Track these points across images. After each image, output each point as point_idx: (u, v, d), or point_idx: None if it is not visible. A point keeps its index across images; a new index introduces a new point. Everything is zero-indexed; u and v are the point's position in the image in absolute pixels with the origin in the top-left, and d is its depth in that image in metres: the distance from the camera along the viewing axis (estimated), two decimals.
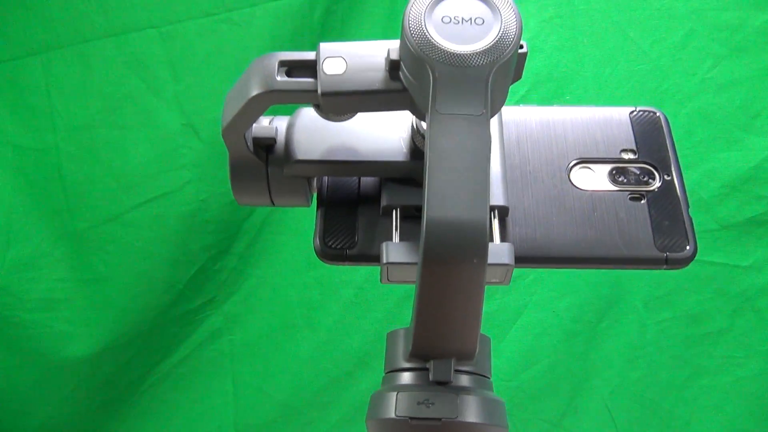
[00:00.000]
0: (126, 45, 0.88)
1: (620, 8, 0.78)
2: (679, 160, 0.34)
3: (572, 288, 0.83)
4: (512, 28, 0.25)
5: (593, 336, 0.83)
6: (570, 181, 0.33)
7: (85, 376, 0.93)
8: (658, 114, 0.35)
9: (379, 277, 0.30)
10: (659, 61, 0.78)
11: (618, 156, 0.34)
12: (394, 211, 0.32)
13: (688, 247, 0.31)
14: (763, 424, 0.78)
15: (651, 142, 0.34)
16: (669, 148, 0.34)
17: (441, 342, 0.29)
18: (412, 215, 0.32)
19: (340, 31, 0.87)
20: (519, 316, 0.85)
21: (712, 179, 0.76)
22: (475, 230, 0.24)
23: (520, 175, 0.34)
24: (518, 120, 0.35)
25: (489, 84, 0.25)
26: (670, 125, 0.35)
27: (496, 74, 0.25)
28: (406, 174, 0.33)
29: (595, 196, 0.33)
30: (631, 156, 0.34)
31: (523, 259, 0.31)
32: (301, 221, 0.91)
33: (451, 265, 0.25)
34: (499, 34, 0.25)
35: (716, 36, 0.75)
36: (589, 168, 0.34)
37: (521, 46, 0.26)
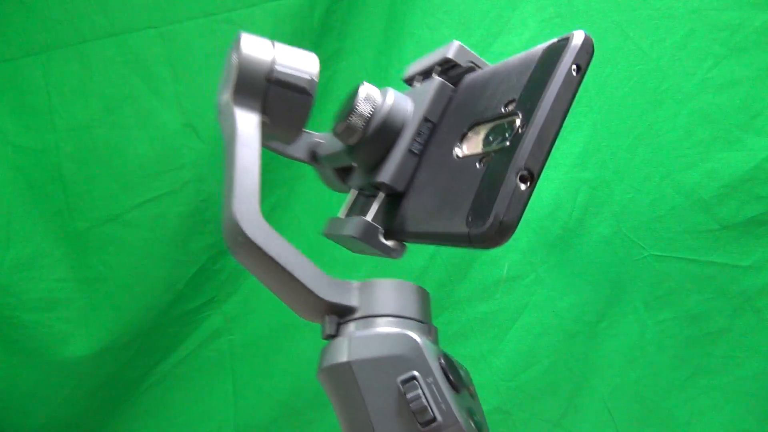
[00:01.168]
0: (126, 45, 0.88)
1: (620, 8, 0.78)
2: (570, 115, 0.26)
3: (572, 288, 0.83)
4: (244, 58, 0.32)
5: (593, 336, 0.83)
6: (455, 149, 0.31)
7: (85, 376, 0.93)
8: (568, 40, 0.28)
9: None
10: (659, 61, 0.77)
11: (499, 111, 0.30)
12: (351, 191, 0.38)
13: (487, 221, 0.25)
14: (763, 424, 0.78)
15: (538, 83, 0.28)
16: (548, 88, 0.27)
17: (299, 307, 0.32)
18: (365, 194, 0.37)
19: (340, 31, 0.87)
20: (519, 316, 0.85)
21: (712, 179, 0.76)
22: (229, 222, 0.30)
23: (430, 148, 0.33)
24: (467, 84, 0.35)
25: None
26: (588, 49, 0.27)
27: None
28: (347, 164, 0.40)
29: (459, 164, 0.30)
30: (510, 108, 0.29)
31: (390, 234, 0.33)
32: (301, 221, 0.91)
33: (236, 251, 0.30)
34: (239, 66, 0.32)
35: (716, 36, 0.75)
36: (477, 131, 0.31)
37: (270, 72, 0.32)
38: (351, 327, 0.31)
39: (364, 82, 0.35)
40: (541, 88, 0.27)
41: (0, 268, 0.89)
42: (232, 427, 0.94)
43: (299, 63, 0.33)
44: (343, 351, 0.30)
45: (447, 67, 0.36)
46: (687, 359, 0.79)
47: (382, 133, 0.33)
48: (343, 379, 0.29)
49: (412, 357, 0.29)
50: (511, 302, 0.85)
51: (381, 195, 0.33)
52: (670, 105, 0.77)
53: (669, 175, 0.78)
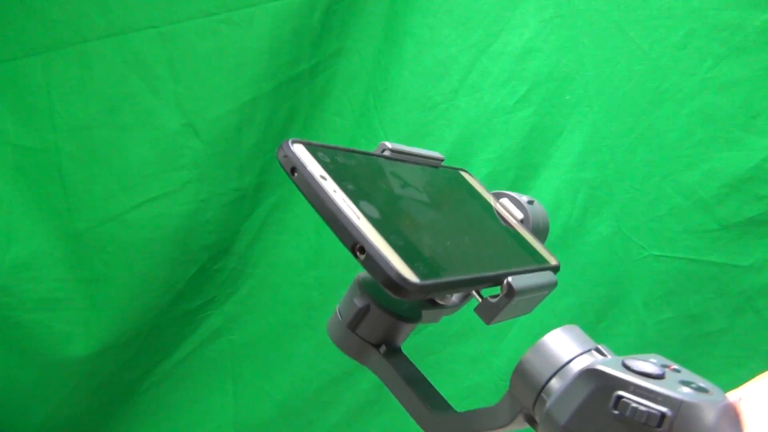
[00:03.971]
0: (126, 45, 0.88)
1: (620, 8, 0.78)
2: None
3: (572, 288, 0.83)
4: None
5: (593, 336, 0.83)
6: None
7: (85, 376, 0.93)
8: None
9: None
10: (659, 61, 0.77)
11: None
12: None
13: None
14: None
15: None
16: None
17: None
18: None
19: (340, 31, 0.87)
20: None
21: (712, 179, 0.76)
22: None
23: None
24: None
25: None
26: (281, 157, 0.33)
27: None
28: None
29: None
30: None
31: None
32: (301, 221, 0.91)
33: None
34: None
35: (716, 36, 0.75)
36: None
37: None
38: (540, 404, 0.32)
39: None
40: None
41: (0, 268, 0.89)
42: (232, 427, 0.94)
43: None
44: (552, 422, 0.30)
45: None
46: (687, 359, 0.79)
47: None
48: None
49: (602, 382, 0.29)
50: None
51: None
52: (670, 105, 0.77)
53: (669, 175, 0.78)
